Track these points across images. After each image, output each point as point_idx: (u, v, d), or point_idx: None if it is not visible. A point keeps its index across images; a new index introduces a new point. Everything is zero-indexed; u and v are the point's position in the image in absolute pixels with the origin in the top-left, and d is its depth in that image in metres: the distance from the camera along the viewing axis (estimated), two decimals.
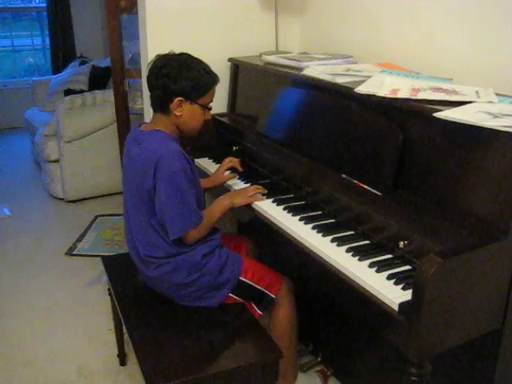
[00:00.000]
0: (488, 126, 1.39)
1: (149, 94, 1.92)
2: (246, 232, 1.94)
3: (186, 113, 1.87)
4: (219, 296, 1.94)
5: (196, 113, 1.90)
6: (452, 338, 1.40)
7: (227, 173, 2.29)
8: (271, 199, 2.05)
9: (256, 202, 2.02)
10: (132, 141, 1.93)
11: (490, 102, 1.62)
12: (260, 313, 1.99)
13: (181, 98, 1.84)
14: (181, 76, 1.82)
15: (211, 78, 1.91)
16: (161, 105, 1.88)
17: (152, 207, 1.84)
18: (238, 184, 2.24)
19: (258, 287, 1.96)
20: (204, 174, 2.44)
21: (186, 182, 1.81)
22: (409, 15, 2.26)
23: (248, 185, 2.18)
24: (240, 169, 2.27)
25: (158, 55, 1.90)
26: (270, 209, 1.97)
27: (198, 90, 1.86)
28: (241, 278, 1.95)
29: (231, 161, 2.28)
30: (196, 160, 2.56)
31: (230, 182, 2.26)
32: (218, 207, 2.00)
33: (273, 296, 1.97)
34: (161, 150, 1.79)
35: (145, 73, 2.73)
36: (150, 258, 1.90)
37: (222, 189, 2.23)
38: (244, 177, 2.30)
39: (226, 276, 1.94)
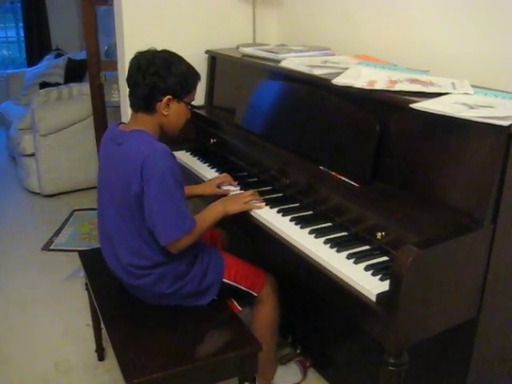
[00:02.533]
0: (464, 117, 1.40)
1: (127, 90, 1.84)
2: (221, 223, 1.91)
3: (173, 112, 1.80)
4: (202, 301, 1.89)
5: (182, 112, 1.84)
6: (429, 328, 1.41)
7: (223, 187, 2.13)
8: (236, 184, 2.09)
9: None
10: (109, 140, 1.84)
11: (466, 93, 1.64)
12: (240, 308, 1.97)
13: (170, 97, 1.76)
14: (170, 74, 1.75)
15: (196, 75, 1.86)
16: (145, 104, 1.77)
17: (139, 213, 1.73)
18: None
19: (241, 287, 1.93)
20: (181, 168, 2.42)
21: (176, 181, 1.71)
22: (386, 7, 2.26)
23: (237, 188, 2.10)
24: (234, 185, 2.12)
25: (138, 52, 1.81)
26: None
27: (185, 87, 1.80)
28: (224, 280, 1.91)
29: (226, 176, 2.13)
30: (174, 153, 2.53)
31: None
32: (210, 214, 1.87)
33: (255, 294, 1.96)
34: (146, 149, 1.69)
35: (121, 65, 2.72)
36: (133, 268, 1.81)
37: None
38: (221, 170, 2.29)
39: (210, 281, 1.88)
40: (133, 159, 1.69)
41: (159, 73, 1.74)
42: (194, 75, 1.85)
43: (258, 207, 1.90)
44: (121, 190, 1.75)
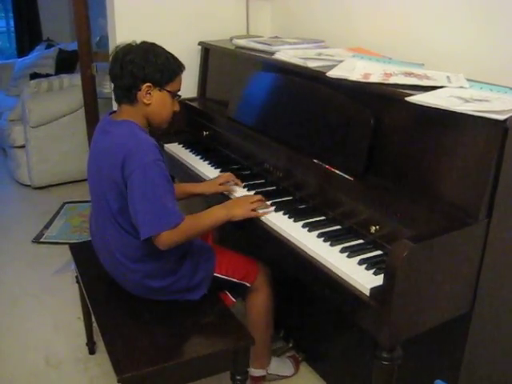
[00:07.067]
0: (459, 111, 1.39)
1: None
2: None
3: (155, 101, 1.76)
4: (194, 296, 1.87)
5: (166, 101, 1.79)
6: (423, 322, 1.41)
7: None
8: (242, 184, 2.04)
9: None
10: (100, 131, 1.81)
11: (461, 87, 1.63)
12: (234, 300, 1.96)
13: (149, 84, 1.72)
14: (147, 61, 1.71)
15: (178, 64, 1.81)
16: (127, 95, 1.75)
17: (120, 204, 1.70)
18: (211, 172, 2.21)
19: (234, 280, 1.92)
20: (173, 161, 2.41)
21: (160, 175, 1.66)
22: (380, 0, 2.25)
23: (242, 186, 2.02)
24: (240, 184, 2.03)
25: (117, 46, 1.79)
26: (241, 194, 1.96)
27: (166, 75, 1.75)
28: (215, 274, 1.89)
29: (230, 176, 2.04)
30: (166, 145, 2.52)
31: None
32: (209, 216, 1.79)
33: (248, 285, 1.94)
34: (130, 141, 1.67)
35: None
36: (125, 260, 1.78)
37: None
38: (214, 163, 2.27)
39: (201, 277, 1.86)
40: (117, 151, 1.67)
41: (136, 61, 1.71)
42: (174, 62, 1.79)
43: (266, 214, 1.80)
44: (101, 181, 1.73)
